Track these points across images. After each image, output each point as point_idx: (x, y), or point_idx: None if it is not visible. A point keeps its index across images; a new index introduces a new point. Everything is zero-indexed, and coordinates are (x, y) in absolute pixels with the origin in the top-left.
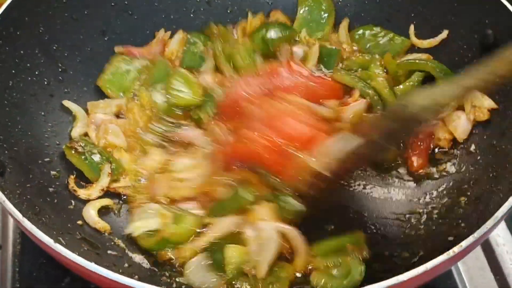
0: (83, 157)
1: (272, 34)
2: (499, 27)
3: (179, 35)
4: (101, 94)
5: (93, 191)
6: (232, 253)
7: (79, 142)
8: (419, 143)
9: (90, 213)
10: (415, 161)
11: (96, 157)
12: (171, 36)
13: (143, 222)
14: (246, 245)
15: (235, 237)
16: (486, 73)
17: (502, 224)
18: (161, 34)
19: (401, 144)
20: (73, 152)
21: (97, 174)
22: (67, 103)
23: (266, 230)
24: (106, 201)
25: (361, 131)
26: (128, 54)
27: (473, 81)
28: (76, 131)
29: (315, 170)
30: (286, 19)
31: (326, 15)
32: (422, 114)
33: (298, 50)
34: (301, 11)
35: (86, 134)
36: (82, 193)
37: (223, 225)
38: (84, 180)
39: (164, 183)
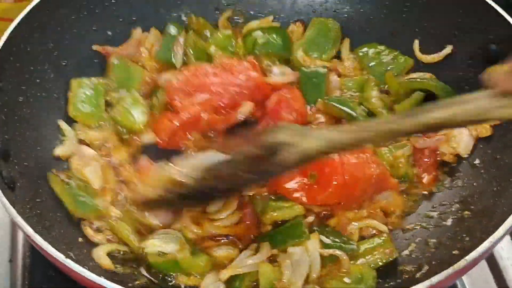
0: (66, 187)
1: (262, 39)
2: (503, 42)
3: (153, 31)
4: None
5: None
6: (266, 269)
7: (66, 172)
8: (425, 159)
9: (99, 255)
10: (425, 177)
11: (81, 191)
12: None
13: (161, 242)
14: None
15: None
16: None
17: (507, 238)
18: (138, 33)
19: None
20: (58, 180)
21: (78, 208)
22: (61, 123)
23: (296, 253)
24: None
25: (230, 148)
26: (105, 53)
27: (369, 133)
28: (61, 151)
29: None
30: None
31: (330, 43)
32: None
33: (276, 70)
34: (309, 31)
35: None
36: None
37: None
38: None
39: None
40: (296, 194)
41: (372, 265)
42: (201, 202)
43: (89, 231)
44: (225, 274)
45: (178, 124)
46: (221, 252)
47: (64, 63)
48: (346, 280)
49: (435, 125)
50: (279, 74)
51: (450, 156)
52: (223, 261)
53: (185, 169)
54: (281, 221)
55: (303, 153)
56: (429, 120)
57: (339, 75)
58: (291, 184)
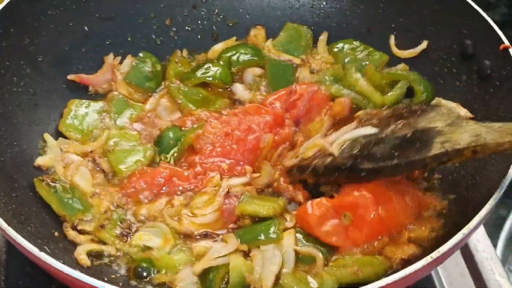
0: (53, 191)
1: (240, 57)
2: (478, 37)
3: (129, 60)
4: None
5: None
6: (237, 261)
7: (50, 176)
8: None
9: (79, 254)
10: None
11: (67, 194)
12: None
13: (148, 236)
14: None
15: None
16: None
17: (482, 231)
18: (110, 59)
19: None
20: (43, 185)
21: (66, 210)
22: (47, 136)
23: (268, 250)
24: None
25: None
26: (81, 82)
27: None
28: (43, 160)
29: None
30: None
31: (300, 50)
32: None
33: (248, 75)
34: (281, 34)
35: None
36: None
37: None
38: None
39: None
40: (333, 238)
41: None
42: (339, 177)
43: (70, 233)
44: (198, 267)
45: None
46: (200, 246)
47: (40, 59)
48: (311, 280)
49: None
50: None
51: None
52: (202, 255)
53: (336, 141)
54: (261, 218)
55: (452, 147)
56: None
57: (311, 72)
58: (326, 227)
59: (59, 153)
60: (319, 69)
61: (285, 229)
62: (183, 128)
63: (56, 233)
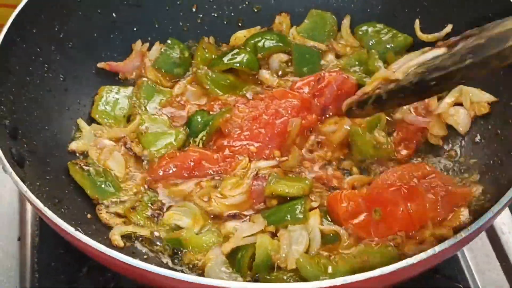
0: (86, 174)
1: (265, 43)
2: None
3: (157, 46)
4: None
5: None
6: (264, 240)
7: (84, 160)
8: (409, 135)
9: (114, 236)
10: (403, 151)
11: (99, 177)
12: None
13: (178, 216)
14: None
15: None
16: None
17: (507, 213)
18: (139, 46)
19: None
20: (77, 168)
21: (99, 193)
22: (80, 122)
23: (296, 230)
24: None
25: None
26: (110, 69)
27: None
28: (77, 145)
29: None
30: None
31: (325, 36)
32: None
33: (274, 61)
34: (306, 21)
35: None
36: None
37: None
38: None
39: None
40: (360, 231)
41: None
42: (406, 98)
43: (104, 216)
44: (226, 247)
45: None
46: (228, 227)
47: (69, 45)
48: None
49: None
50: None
51: (437, 139)
52: (230, 235)
53: (400, 69)
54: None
55: None
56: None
57: (338, 56)
58: (356, 220)
59: (92, 138)
60: (344, 53)
61: (311, 209)
62: (211, 112)
63: (88, 215)
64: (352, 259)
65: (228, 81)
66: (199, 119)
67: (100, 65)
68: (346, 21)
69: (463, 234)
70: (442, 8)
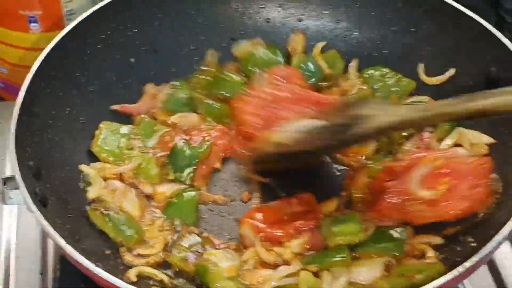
0: (107, 219)
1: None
2: (502, 64)
3: (165, 88)
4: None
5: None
6: (307, 276)
7: (102, 204)
8: None
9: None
10: None
11: (121, 219)
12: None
13: (221, 256)
14: None
15: None
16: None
17: (508, 249)
18: (150, 88)
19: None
20: (98, 214)
21: (123, 237)
22: (83, 167)
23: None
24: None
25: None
26: (123, 111)
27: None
28: (93, 193)
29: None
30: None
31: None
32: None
33: None
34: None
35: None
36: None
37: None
38: None
39: None
40: None
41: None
42: (291, 164)
43: (127, 257)
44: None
45: None
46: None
47: (90, 89)
48: None
49: (486, 111)
50: None
51: None
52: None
53: (289, 132)
54: None
55: (378, 128)
56: (484, 106)
57: (342, 93)
58: None
59: (102, 182)
60: (350, 90)
61: None
62: (192, 144)
63: (106, 251)
64: (396, 279)
65: (218, 107)
66: (186, 152)
67: (114, 107)
68: (354, 64)
69: (460, 269)
70: (445, 52)
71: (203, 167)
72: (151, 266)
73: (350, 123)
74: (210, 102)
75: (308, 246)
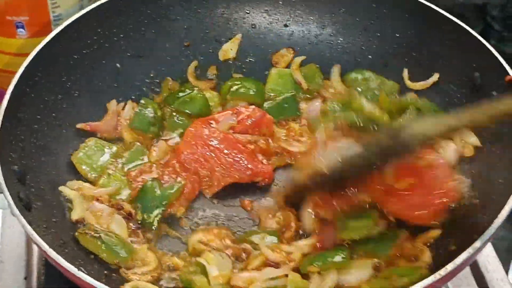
0: (99, 242)
1: (239, 89)
2: (485, 69)
3: (130, 105)
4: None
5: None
6: (295, 276)
7: (89, 227)
8: None
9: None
10: None
11: (114, 241)
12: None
13: (213, 261)
14: None
15: None
16: (479, 113)
17: (492, 252)
18: (113, 105)
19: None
20: (88, 237)
21: (118, 258)
22: (63, 188)
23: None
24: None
25: (360, 141)
26: (88, 130)
27: (468, 118)
28: (76, 215)
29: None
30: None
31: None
32: (414, 141)
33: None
34: None
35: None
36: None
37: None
38: None
39: None
40: None
41: None
42: (332, 189)
43: (129, 276)
44: None
45: None
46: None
47: (76, 94)
48: None
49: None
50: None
51: None
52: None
53: (325, 160)
54: None
55: (422, 136)
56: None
57: (324, 100)
58: None
59: (84, 203)
60: (331, 98)
61: None
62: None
63: (91, 256)
64: (380, 282)
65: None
66: (156, 192)
67: (79, 125)
68: (336, 69)
69: (441, 273)
70: (429, 58)
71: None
72: (151, 281)
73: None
74: (177, 117)
75: (320, 245)
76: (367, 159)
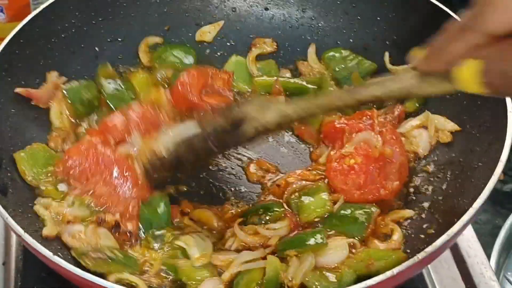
0: (110, 261)
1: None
2: None
3: (73, 82)
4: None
5: None
6: (273, 260)
7: (90, 249)
8: None
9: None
10: None
11: (118, 255)
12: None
13: (192, 242)
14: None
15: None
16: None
17: (474, 237)
18: (53, 76)
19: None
20: (97, 261)
21: (130, 267)
22: (37, 208)
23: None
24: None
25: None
26: (27, 96)
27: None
28: (49, 231)
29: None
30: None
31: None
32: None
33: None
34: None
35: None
36: None
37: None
38: None
39: None
40: None
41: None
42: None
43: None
44: (226, 274)
45: None
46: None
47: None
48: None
49: (371, 99)
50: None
51: (410, 155)
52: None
53: (162, 142)
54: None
55: (262, 126)
56: (367, 96)
57: (300, 74)
58: None
59: (55, 218)
60: (306, 74)
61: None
62: None
63: None
64: (359, 263)
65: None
66: None
67: (17, 90)
68: (311, 49)
69: (420, 256)
70: (410, 41)
71: None
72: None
73: (232, 126)
74: (113, 85)
75: (291, 226)
76: (205, 140)
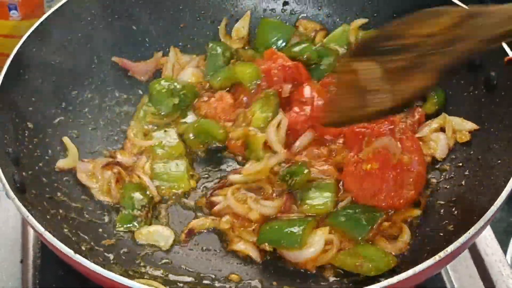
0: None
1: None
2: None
3: (172, 51)
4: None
5: None
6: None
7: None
8: None
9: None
10: None
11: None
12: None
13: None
14: None
15: None
16: None
17: (492, 235)
18: (159, 55)
19: None
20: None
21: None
22: (65, 139)
23: None
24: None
25: None
26: (122, 65)
27: None
28: (65, 162)
29: None
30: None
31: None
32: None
33: None
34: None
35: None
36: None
37: None
38: None
39: None
40: None
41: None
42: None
43: None
44: None
45: None
46: None
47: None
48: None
49: None
50: None
51: (427, 158)
52: None
53: None
54: None
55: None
56: None
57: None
58: None
59: (76, 155)
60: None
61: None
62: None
63: (86, 237)
64: (348, 258)
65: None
66: None
67: (114, 59)
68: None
69: (441, 255)
70: None
71: None
72: None
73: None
74: None
75: (282, 208)
76: None
